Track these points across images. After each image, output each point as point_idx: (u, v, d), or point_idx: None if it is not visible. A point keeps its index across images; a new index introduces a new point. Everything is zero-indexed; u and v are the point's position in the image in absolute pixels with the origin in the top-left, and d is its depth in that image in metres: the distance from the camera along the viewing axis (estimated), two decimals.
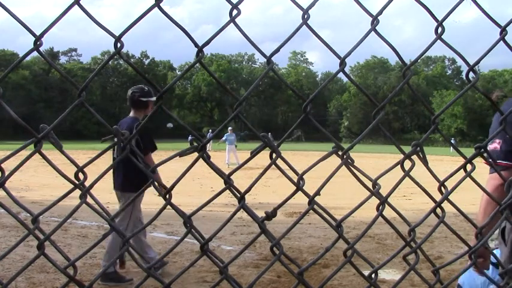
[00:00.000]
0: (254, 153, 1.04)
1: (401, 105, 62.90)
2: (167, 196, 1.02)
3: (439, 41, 1.11)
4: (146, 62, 70.79)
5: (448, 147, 40.57)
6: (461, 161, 1.17)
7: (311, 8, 1.05)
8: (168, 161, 1.05)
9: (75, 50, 72.66)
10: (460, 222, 6.87)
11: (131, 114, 4.89)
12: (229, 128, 21.90)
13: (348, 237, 1.15)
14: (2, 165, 0.92)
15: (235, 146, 21.26)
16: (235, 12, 1.00)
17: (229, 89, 1.17)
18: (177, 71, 74.02)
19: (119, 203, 4.91)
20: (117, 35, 0.95)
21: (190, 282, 4.52)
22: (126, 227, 4.50)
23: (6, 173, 0.92)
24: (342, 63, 1.07)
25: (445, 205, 1.17)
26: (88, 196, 0.99)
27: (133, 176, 4.43)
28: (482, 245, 1.21)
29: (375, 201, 1.14)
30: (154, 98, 4.89)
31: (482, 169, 1.37)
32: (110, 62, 57.41)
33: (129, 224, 4.53)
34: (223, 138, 21.57)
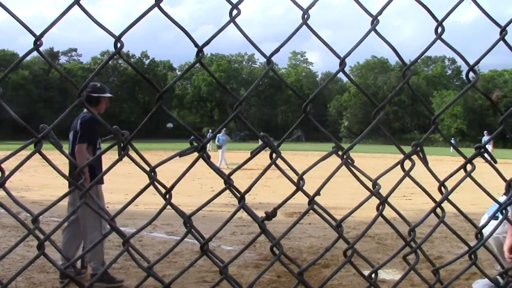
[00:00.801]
0: (254, 153, 1.04)
1: (401, 105, 62.88)
2: (167, 196, 1.03)
3: (439, 41, 1.11)
4: (146, 62, 70.81)
5: (448, 147, 40.55)
6: (461, 161, 1.17)
7: (311, 8, 1.06)
8: (168, 161, 1.05)
9: (75, 50, 72.65)
10: (460, 222, 6.86)
11: (85, 110, 4.69)
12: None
13: (348, 237, 1.15)
14: (2, 165, 0.92)
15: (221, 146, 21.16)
16: (235, 12, 1.00)
17: (229, 89, 1.17)
18: (177, 71, 73.99)
19: (69, 199, 4.60)
20: (117, 35, 0.96)
21: (190, 282, 4.52)
22: (100, 221, 4.43)
23: (6, 173, 0.92)
24: (342, 63, 1.07)
25: (445, 205, 1.17)
26: (88, 196, 0.99)
27: (91, 170, 4.38)
28: (482, 244, 1.21)
29: (375, 201, 1.14)
30: (107, 95, 4.75)
31: (482, 169, 1.37)
32: (110, 62, 57.45)
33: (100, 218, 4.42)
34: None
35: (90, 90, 4.65)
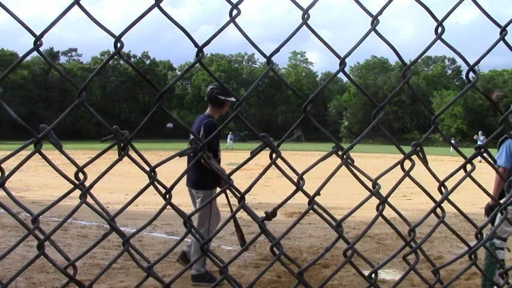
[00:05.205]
0: (254, 153, 1.04)
1: (401, 105, 62.84)
2: (167, 196, 1.03)
3: (439, 41, 1.11)
4: (147, 62, 70.75)
5: (448, 147, 40.56)
6: (461, 161, 1.17)
7: (311, 8, 1.06)
8: (168, 161, 1.05)
9: (75, 50, 72.60)
10: (460, 222, 6.86)
11: (207, 111, 4.79)
12: None
13: (348, 237, 1.15)
14: (2, 165, 0.92)
15: None
16: (235, 12, 1.00)
17: (229, 89, 1.17)
18: (177, 71, 73.98)
19: (191, 199, 4.84)
20: (117, 35, 0.96)
21: (190, 282, 4.52)
22: (209, 225, 4.52)
23: (6, 173, 0.92)
24: (342, 63, 1.07)
25: (445, 205, 1.17)
26: (88, 196, 0.99)
27: (207, 174, 4.41)
28: (482, 244, 1.21)
29: (375, 201, 1.14)
30: (232, 99, 4.76)
31: (482, 169, 1.37)
32: (110, 62, 57.42)
33: (211, 222, 4.53)
34: None
35: (218, 92, 4.67)
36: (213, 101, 4.73)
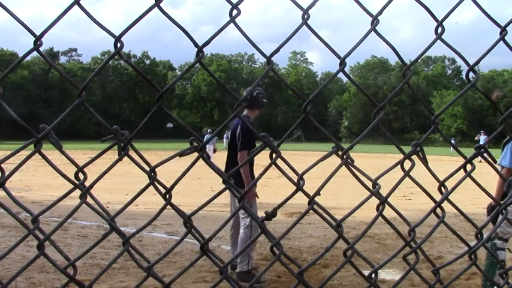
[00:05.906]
0: (254, 153, 1.04)
1: (401, 105, 62.87)
2: (167, 196, 1.02)
3: (439, 41, 1.11)
4: (147, 62, 70.75)
5: (448, 147, 40.59)
6: (461, 161, 1.17)
7: (311, 8, 1.06)
8: (168, 161, 1.05)
9: (75, 50, 72.66)
10: (460, 222, 6.86)
11: (244, 112, 4.90)
12: (209, 130, 23.76)
13: (348, 237, 1.15)
14: (2, 165, 0.92)
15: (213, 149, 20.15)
16: (235, 12, 1.00)
17: (229, 89, 1.17)
18: (177, 71, 74.01)
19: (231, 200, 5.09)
20: (117, 35, 0.96)
21: (190, 282, 4.51)
22: (251, 221, 4.60)
23: (6, 173, 0.92)
24: (342, 63, 1.07)
25: (445, 205, 1.17)
26: (88, 196, 0.99)
27: (240, 175, 4.53)
28: (482, 244, 1.21)
29: (375, 201, 1.14)
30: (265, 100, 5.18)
31: (482, 169, 1.37)
32: (110, 62, 57.31)
33: (252, 233, 4.60)
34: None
35: (263, 96, 4.95)
36: (257, 105, 4.96)
